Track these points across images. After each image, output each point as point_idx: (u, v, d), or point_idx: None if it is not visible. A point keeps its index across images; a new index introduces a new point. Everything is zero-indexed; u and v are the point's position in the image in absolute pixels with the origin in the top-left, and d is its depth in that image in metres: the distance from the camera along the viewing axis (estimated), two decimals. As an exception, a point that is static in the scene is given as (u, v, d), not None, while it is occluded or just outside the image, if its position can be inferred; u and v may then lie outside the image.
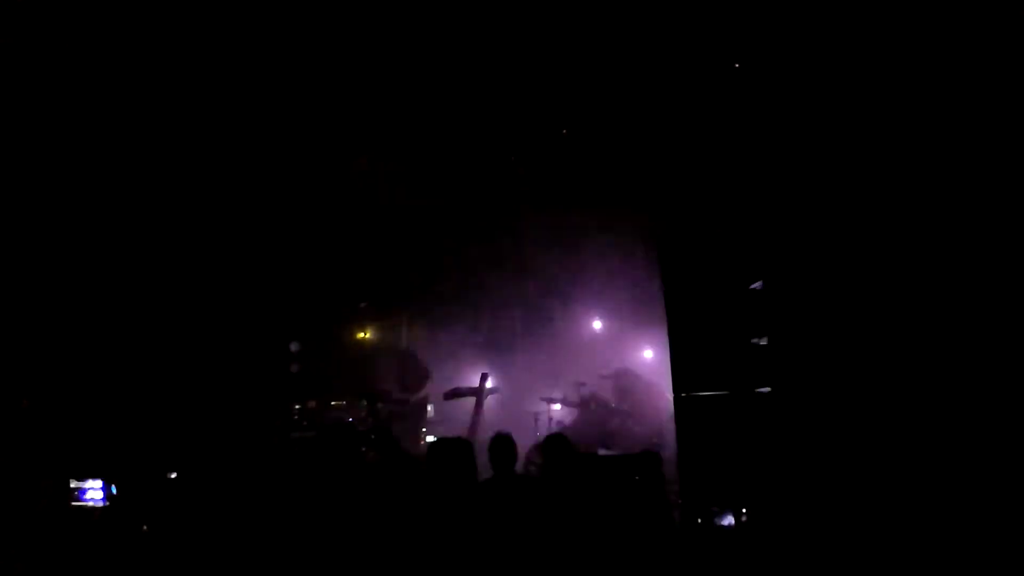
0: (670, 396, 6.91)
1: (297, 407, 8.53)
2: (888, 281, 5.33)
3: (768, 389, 5.62)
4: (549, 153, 9.22)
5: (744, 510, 5.38)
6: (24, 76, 6.85)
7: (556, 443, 5.49)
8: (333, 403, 8.72)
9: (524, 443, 5.98)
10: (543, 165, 9.37)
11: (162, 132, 7.67)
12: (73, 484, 6.20)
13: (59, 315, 7.42)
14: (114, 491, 6.08)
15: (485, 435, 8.82)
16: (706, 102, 7.65)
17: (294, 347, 9.42)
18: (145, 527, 5.71)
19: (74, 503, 6.19)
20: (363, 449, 7.06)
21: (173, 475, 6.52)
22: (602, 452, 7.58)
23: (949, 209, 5.18)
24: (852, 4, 5.99)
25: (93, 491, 6.18)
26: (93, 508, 6.12)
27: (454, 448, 4.83)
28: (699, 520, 5.56)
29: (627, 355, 9.47)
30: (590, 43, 7.33)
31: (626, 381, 9.01)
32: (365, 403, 8.68)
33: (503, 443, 5.28)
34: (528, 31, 7.21)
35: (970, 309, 4.92)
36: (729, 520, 5.41)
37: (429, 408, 9.62)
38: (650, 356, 9.18)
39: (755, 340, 5.78)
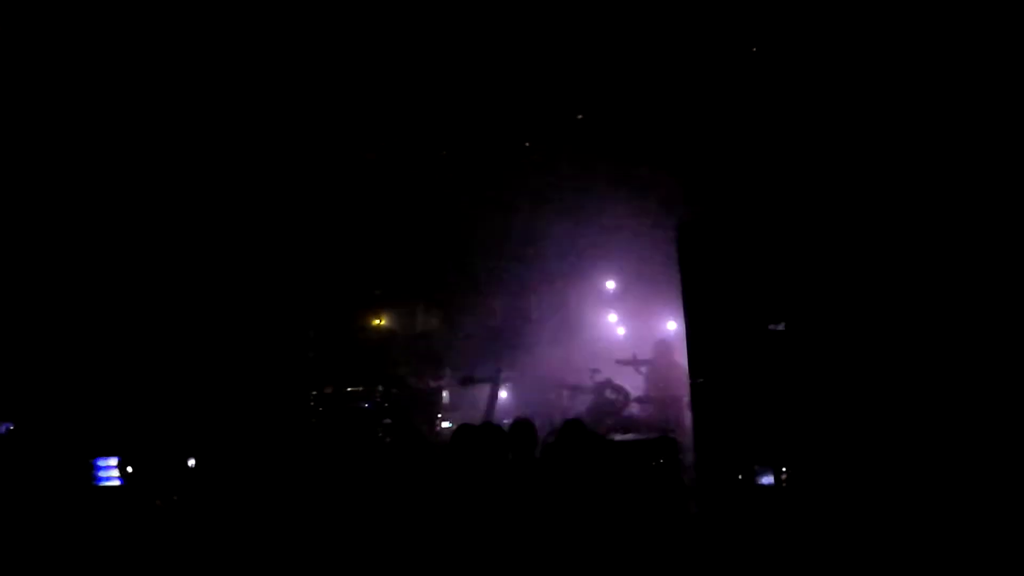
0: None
1: (314, 393, 8.57)
2: (905, 269, 5.31)
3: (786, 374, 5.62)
4: (564, 139, 9.17)
5: (784, 469, 5.39)
6: (24, 76, 6.89)
7: (574, 429, 5.52)
8: (349, 389, 8.75)
9: (539, 430, 5.98)
10: (558, 151, 9.31)
11: (188, 124, 7.70)
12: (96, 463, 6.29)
13: (82, 300, 7.49)
14: (129, 470, 6.14)
15: (500, 421, 8.86)
16: (724, 88, 7.59)
17: (311, 333, 9.46)
18: (159, 504, 5.77)
19: (94, 483, 6.28)
20: (380, 434, 7.11)
21: (191, 460, 6.58)
22: (618, 438, 7.57)
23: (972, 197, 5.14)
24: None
25: (110, 470, 6.27)
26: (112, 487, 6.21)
27: (485, 435, 4.84)
28: (740, 477, 5.55)
29: (645, 342, 9.40)
30: (605, 27, 7.28)
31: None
32: (381, 389, 8.70)
33: (523, 428, 5.32)
34: (542, 15, 7.17)
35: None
36: (769, 479, 5.43)
37: (444, 394, 9.64)
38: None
39: (772, 326, 5.76)
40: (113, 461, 6.29)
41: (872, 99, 6.05)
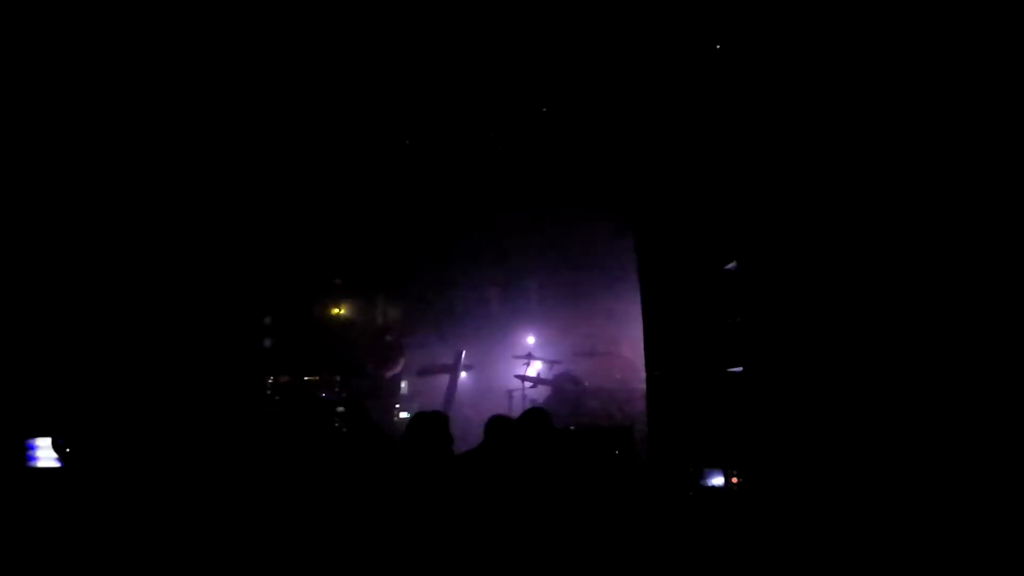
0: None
1: (270, 381, 8.49)
2: (857, 261, 5.42)
3: (740, 369, 5.71)
4: (528, 131, 9.18)
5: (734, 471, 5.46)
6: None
7: (535, 418, 5.56)
8: (306, 378, 8.69)
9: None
10: (522, 143, 9.32)
11: (136, 106, 7.51)
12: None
13: (27, 282, 7.28)
14: (66, 449, 5.99)
15: (459, 412, 8.88)
16: (684, 85, 7.66)
17: (267, 321, 9.37)
18: (101, 491, 5.64)
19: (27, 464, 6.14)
20: (336, 424, 7.06)
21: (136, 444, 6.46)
22: (574, 428, 7.64)
23: (920, 192, 5.26)
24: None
25: (44, 450, 6.12)
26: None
27: (430, 421, 4.85)
28: (687, 475, 5.63)
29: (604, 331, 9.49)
30: (570, 21, 7.29)
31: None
32: (339, 378, 8.66)
33: (501, 423, 5.39)
34: (508, 10, 7.15)
35: (938, 289, 5.03)
36: (716, 480, 5.51)
37: (403, 384, 9.62)
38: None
39: (729, 320, 5.85)
40: (46, 441, 6.14)
41: (835, 99, 6.15)
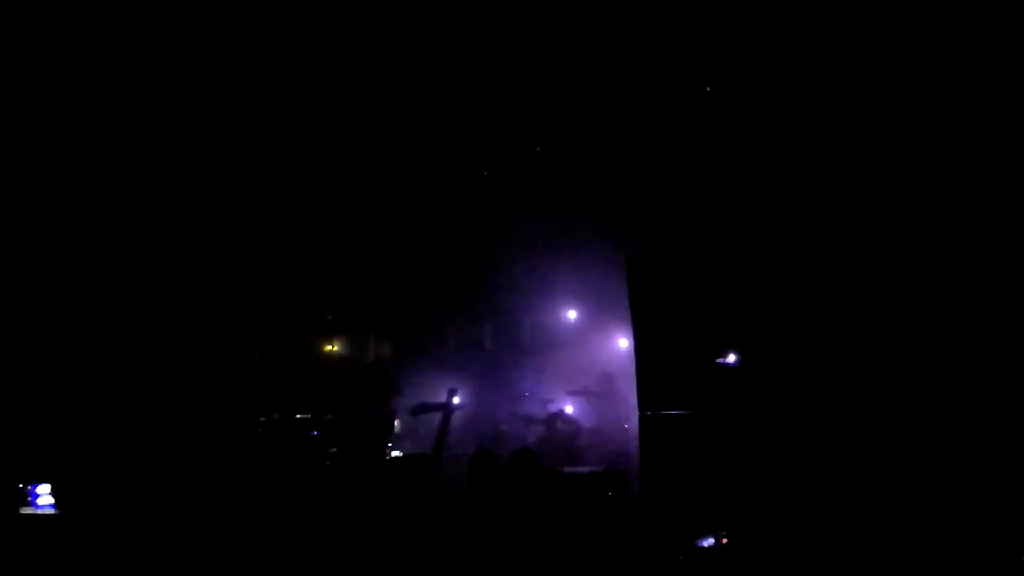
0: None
1: (262, 419, 8.40)
2: (853, 303, 5.44)
3: (734, 409, 5.68)
4: (522, 168, 9.27)
5: (724, 532, 5.37)
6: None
7: (523, 459, 5.52)
8: (298, 416, 8.60)
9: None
10: (515, 179, 9.40)
11: (128, 138, 7.55)
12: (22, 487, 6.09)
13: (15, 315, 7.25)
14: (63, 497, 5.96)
15: (451, 451, 8.79)
16: (675, 125, 7.78)
17: (259, 359, 9.30)
18: (97, 534, 5.59)
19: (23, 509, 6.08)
20: (327, 463, 6.99)
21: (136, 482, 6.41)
22: (567, 470, 7.56)
23: (910, 230, 5.31)
24: (826, 35, 6.14)
25: (44, 496, 6.09)
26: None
27: (413, 465, 4.82)
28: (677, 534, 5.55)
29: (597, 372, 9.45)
30: (566, 62, 7.41)
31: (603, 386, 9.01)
32: (330, 417, 8.57)
33: (486, 458, 5.34)
34: (505, 49, 7.27)
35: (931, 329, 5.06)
36: (708, 542, 5.42)
37: (395, 423, 9.52)
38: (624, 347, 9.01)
39: (721, 360, 5.84)
40: (46, 488, 6.10)
41: (818, 140, 6.25)
